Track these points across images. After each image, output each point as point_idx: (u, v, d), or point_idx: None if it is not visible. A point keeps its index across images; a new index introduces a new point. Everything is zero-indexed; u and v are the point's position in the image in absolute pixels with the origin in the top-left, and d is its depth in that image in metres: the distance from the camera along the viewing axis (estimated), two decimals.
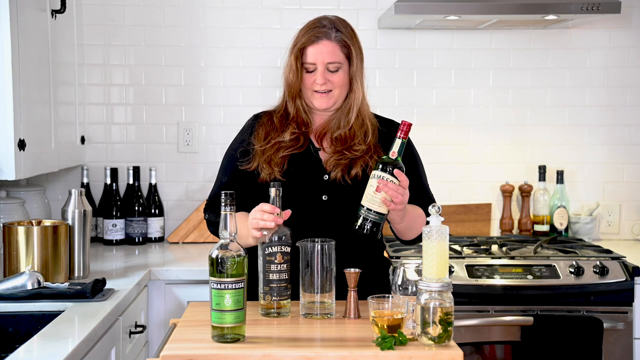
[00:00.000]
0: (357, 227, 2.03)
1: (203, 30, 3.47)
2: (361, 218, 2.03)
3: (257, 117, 2.36)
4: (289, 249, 1.97)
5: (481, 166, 3.56)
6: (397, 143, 2.03)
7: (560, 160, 3.55)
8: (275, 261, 1.95)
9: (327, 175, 2.22)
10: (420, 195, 2.29)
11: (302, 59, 2.21)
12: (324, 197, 2.21)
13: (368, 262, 2.19)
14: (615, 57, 3.53)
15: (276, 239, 1.96)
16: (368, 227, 2.03)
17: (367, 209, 2.02)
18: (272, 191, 1.98)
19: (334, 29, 2.21)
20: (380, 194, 1.99)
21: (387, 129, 2.30)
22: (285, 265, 1.96)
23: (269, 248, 1.96)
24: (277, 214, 1.96)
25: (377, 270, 2.28)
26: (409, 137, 2.36)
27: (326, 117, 2.29)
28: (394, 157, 2.03)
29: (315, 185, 2.22)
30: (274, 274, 1.96)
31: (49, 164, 2.80)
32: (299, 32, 2.25)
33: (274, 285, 1.96)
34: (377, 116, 2.34)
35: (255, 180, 2.23)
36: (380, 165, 2.02)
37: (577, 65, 3.53)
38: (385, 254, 3.00)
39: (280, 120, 2.27)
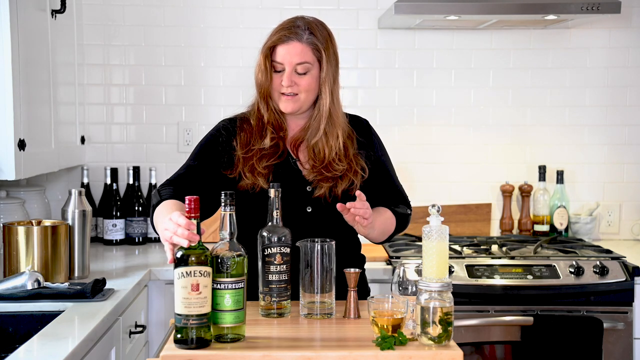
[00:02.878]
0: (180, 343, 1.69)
1: (203, 30, 3.47)
2: (185, 330, 1.69)
3: (231, 121, 2.24)
4: (288, 250, 1.96)
5: (481, 166, 3.56)
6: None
7: (560, 160, 3.55)
8: (275, 262, 1.95)
9: (309, 187, 2.17)
10: (391, 191, 2.27)
11: (272, 58, 2.13)
12: (308, 209, 2.17)
13: (348, 262, 2.14)
14: (615, 57, 3.53)
15: (275, 239, 1.95)
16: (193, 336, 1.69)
17: (186, 315, 1.68)
18: (272, 192, 1.97)
19: (307, 31, 2.12)
20: (195, 293, 1.69)
21: (358, 130, 2.25)
22: (284, 266, 1.96)
23: (268, 249, 1.95)
24: (198, 233, 1.72)
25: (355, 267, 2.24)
26: (375, 134, 2.29)
27: (300, 123, 2.22)
28: (195, 244, 1.75)
29: (299, 197, 2.17)
30: (274, 275, 1.95)
31: (49, 164, 2.80)
32: (273, 30, 2.16)
33: (273, 286, 1.96)
34: (346, 115, 2.25)
35: (233, 183, 2.16)
36: (176, 265, 1.72)
37: (577, 65, 3.53)
38: (385, 254, 3.01)
39: (257, 124, 2.19)
